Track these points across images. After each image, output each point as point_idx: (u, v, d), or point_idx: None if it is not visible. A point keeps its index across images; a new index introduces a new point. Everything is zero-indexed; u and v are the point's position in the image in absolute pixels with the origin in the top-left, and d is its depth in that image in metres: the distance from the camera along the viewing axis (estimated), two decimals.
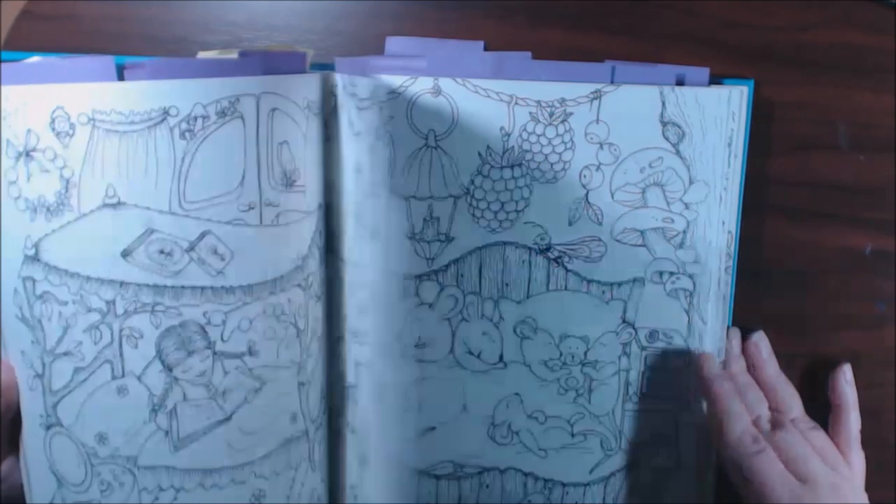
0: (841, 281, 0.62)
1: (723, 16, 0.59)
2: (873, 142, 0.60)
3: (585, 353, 0.57)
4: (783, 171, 0.60)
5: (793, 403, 0.59)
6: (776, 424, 0.57)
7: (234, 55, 0.47)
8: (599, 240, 0.55)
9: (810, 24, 0.59)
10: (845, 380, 0.60)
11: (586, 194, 0.55)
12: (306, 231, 0.51)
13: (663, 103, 0.54)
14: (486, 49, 0.58)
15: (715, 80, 0.56)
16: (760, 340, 0.60)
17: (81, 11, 0.57)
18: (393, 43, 0.57)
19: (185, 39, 0.57)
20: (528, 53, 0.57)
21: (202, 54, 0.46)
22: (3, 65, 0.43)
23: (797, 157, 0.60)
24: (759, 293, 0.61)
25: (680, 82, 0.55)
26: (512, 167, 0.54)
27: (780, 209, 0.61)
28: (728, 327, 0.59)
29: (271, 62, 0.49)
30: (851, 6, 0.59)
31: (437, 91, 0.53)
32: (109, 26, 0.57)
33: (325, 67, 0.55)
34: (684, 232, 0.56)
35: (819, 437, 0.58)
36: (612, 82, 0.54)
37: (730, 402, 0.56)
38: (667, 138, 0.54)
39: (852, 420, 0.59)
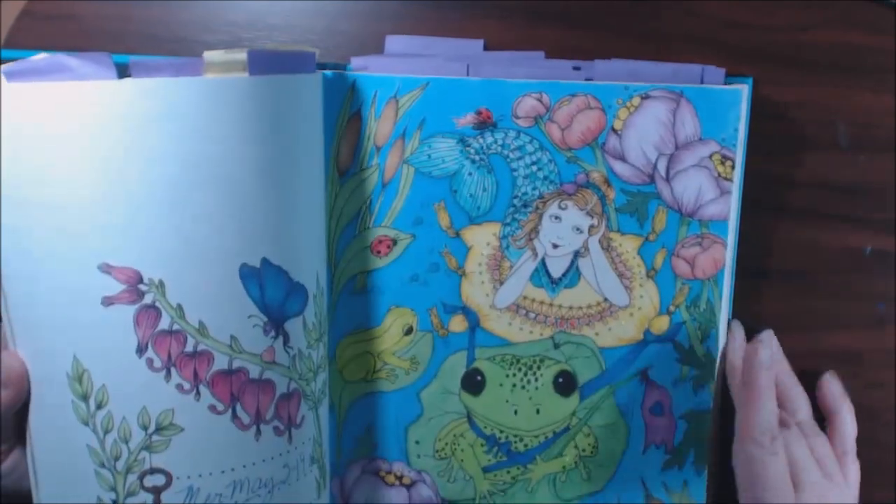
0: (841, 281, 0.62)
1: (723, 16, 0.59)
2: (873, 142, 0.60)
3: None
4: (783, 171, 0.60)
5: (800, 405, 0.59)
6: (781, 423, 0.57)
7: (241, 55, 0.47)
8: None
9: (810, 24, 0.59)
10: (831, 389, 0.60)
11: None
12: None
13: None
14: (485, 48, 0.58)
15: None
16: (769, 339, 0.60)
17: (81, 11, 0.57)
18: (393, 42, 0.57)
19: (186, 39, 0.57)
20: (542, 53, 0.58)
21: (207, 55, 0.46)
22: None
23: (797, 157, 0.60)
24: (759, 293, 0.61)
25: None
26: None
27: (780, 209, 0.61)
28: (730, 320, 0.59)
29: (283, 62, 0.49)
30: (851, 6, 0.59)
31: None
32: (110, 26, 0.57)
33: (325, 67, 0.55)
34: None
35: (822, 443, 0.58)
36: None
37: (769, 396, 0.56)
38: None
39: (848, 428, 0.59)
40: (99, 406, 0.46)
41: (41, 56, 0.44)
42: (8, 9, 0.56)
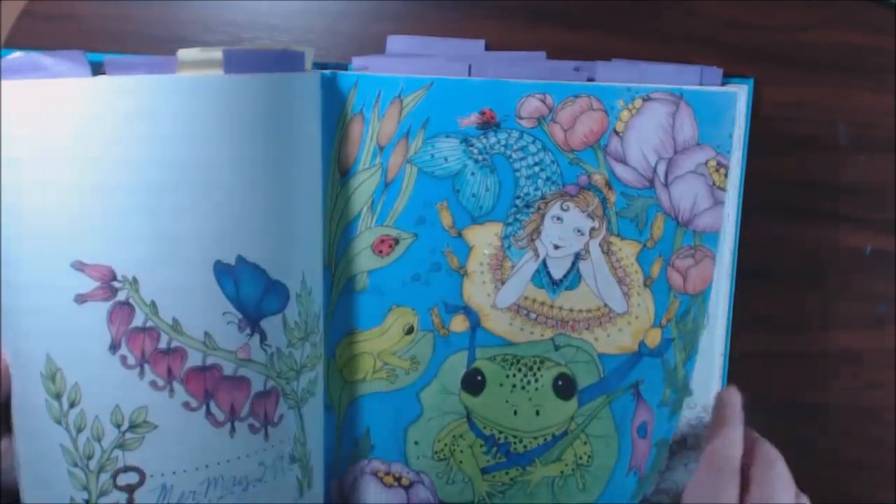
0: (841, 281, 0.62)
1: (723, 16, 0.59)
2: (873, 142, 0.61)
3: None
4: (783, 171, 0.60)
5: None
6: None
7: (216, 53, 0.47)
8: None
9: (810, 24, 0.59)
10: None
11: None
12: None
13: None
14: (486, 48, 0.58)
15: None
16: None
17: (81, 11, 0.57)
18: (394, 42, 0.57)
19: (186, 39, 0.57)
20: (543, 53, 0.58)
21: (181, 52, 0.46)
22: None
23: (797, 157, 0.60)
24: (760, 293, 0.61)
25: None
26: None
27: (780, 209, 0.61)
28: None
29: (262, 61, 0.49)
30: (851, 6, 0.59)
31: None
32: (110, 26, 0.57)
33: (325, 66, 0.55)
34: None
35: None
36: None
37: (737, 429, 0.53)
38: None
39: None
40: (72, 405, 0.46)
41: (15, 55, 0.44)
42: (8, 9, 0.56)
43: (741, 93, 0.56)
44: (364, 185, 0.56)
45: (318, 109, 0.53)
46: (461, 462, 0.59)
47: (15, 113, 0.44)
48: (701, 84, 0.56)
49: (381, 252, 0.56)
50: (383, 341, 0.57)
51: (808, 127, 0.60)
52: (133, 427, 0.47)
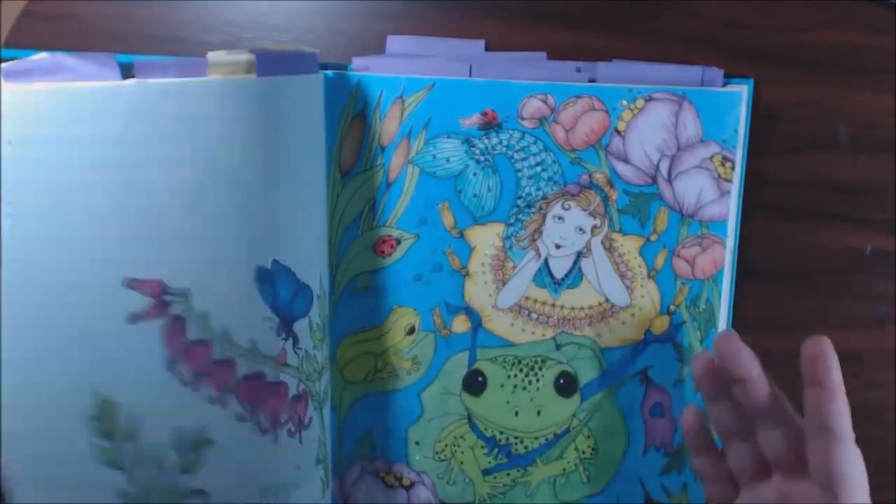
0: (841, 281, 0.62)
1: (723, 16, 0.59)
2: (873, 142, 0.60)
3: None
4: (783, 171, 0.60)
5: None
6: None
7: (245, 56, 0.46)
8: None
9: (810, 24, 0.59)
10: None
11: None
12: None
13: None
14: (487, 48, 0.58)
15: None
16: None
17: (81, 11, 0.56)
18: (394, 42, 0.57)
19: (186, 39, 0.57)
20: (544, 54, 0.58)
21: (212, 55, 0.46)
22: None
23: (797, 157, 0.60)
24: (759, 293, 0.61)
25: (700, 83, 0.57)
26: None
27: (780, 209, 0.61)
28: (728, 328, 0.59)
29: (287, 63, 0.49)
30: (851, 6, 0.59)
31: None
32: (110, 26, 0.57)
33: (326, 67, 0.55)
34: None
35: None
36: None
37: None
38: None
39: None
40: (128, 438, 0.46)
41: (41, 56, 0.44)
42: (8, 9, 0.56)
43: (745, 91, 0.57)
44: (366, 185, 0.56)
45: (322, 110, 0.53)
46: (462, 463, 0.59)
47: (51, 117, 0.43)
48: (702, 85, 0.56)
49: (382, 252, 0.56)
50: (385, 341, 0.57)
51: (808, 127, 0.60)
52: (193, 447, 0.47)
